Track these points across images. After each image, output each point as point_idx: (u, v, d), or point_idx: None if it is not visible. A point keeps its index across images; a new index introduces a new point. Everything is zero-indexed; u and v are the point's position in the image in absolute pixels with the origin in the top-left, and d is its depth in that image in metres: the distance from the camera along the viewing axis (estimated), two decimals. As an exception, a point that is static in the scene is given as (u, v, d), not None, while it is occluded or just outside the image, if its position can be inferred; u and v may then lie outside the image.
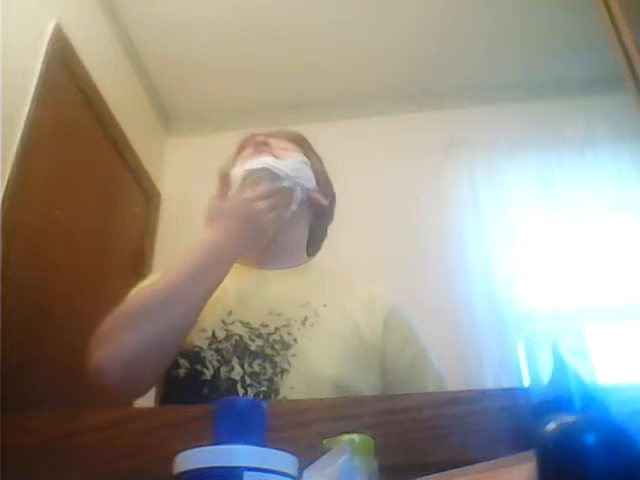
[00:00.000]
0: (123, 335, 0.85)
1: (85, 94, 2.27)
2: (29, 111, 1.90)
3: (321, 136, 1.22)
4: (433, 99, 2.81)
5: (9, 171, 1.80)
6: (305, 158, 1.13)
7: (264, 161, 1.05)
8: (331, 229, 1.24)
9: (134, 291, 0.99)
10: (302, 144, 1.18)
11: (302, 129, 1.24)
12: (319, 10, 2.56)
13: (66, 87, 2.16)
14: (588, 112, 2.48)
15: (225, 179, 1.00)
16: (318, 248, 1.21)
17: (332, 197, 1.20)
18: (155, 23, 2.59)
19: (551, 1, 2.40)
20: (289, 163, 1.07)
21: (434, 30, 2.62)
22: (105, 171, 2.45)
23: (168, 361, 0.90)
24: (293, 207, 1.06)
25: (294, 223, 1.09)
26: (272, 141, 1.12)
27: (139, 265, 2.52)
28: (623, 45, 0.99)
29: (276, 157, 1.07)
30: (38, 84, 1.96)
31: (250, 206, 0.97)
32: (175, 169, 2.87)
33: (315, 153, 1.20)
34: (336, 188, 1.22)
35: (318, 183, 1.14)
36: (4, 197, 1.75)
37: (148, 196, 2.75)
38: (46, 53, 2.02)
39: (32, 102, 1.92)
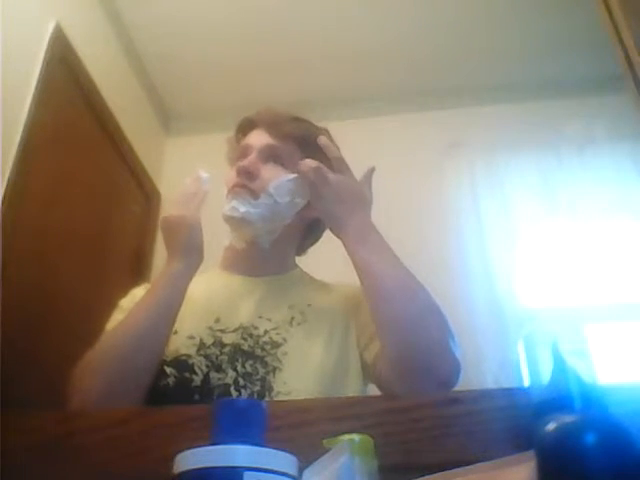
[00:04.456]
0: (90, 380, 0.88)
1: (85, 94, 2.27)
2: (29, 111, 1.90)
3: (321, 136, 1.22)
4: (433, 99, 2.81)
5: (9, 171, 1.80)
6: (292, 175, 1.04)
7: (234, 208, 1.03)
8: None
9: (117, 315, 1.01)
10: (306, 144, 1.08)
11: (302, 129, 1.23)
12: (319, 10, 2.56)
13: (66, 87, 2.16)
14: (588, 112, 2.48)
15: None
16: (309, 247, 1.20)
17: None
18: (155, 23, 2.59)
19: (551, 1, 2.40)
20: (264, 202, 1.03)
21: (434, 30, 2.63)
22: (105, 171, 2.44)
23: (141, 394, 0.89)
24: (282, 223, 1.07)
25: (282, 238, 1.09)
26: (259, 167, 1.06)
27: (139, 265, 2.52)
28: (623, 45, 0.99)
29: (253, 192, 1.03)
30: (38, 84, 1.96)
31: (172, 219, 0.98)
32: (175, 169, 2.86)
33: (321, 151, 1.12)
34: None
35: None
36: (4, 197, 1.75)
37: (148, 196, 2.74)
38: (46, 53, 2.02)
39: (32, 102, 1.92)
